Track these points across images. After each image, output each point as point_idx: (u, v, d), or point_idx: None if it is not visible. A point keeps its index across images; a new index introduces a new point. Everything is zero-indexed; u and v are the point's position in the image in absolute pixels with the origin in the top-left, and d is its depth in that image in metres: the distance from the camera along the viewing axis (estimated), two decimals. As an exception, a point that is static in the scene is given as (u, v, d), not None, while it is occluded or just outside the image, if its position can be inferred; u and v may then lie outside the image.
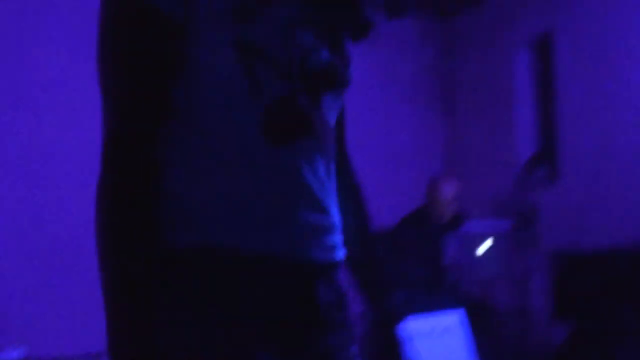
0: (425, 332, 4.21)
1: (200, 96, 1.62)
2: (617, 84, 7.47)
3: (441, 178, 6.25)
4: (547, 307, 5.82)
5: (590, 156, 7.75)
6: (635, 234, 6.39)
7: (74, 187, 6.78)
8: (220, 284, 1.60)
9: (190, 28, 1.57)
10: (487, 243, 5.31)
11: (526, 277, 5.81)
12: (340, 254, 1.81)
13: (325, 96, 1.76)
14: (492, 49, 9.35)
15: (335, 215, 1.79)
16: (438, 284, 4.61)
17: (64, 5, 7.47)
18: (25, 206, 7.09)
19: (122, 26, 1.57)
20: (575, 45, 8.02)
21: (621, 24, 7.39)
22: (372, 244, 2.05)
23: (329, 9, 1.81)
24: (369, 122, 9.18)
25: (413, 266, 4.53)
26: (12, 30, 7.30)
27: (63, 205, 7.09)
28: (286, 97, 1.65)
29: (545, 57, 8.79)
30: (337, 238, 1.79)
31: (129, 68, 1.58)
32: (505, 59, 9.09)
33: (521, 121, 8.92)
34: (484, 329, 5.80)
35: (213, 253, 1.59)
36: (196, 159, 1.63)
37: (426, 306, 4.37)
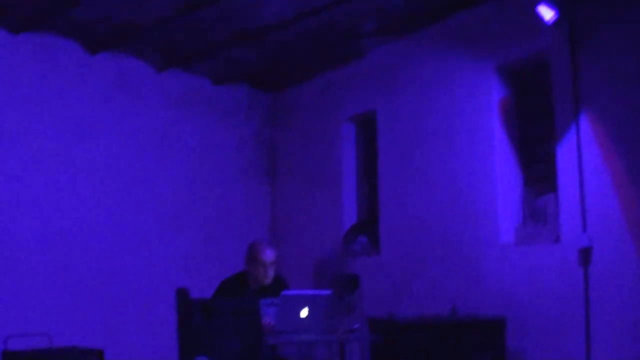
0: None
1: None
2: (430, 162, 7.76)
3: (261, 242, 6.25)
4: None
5: (407, 230, 7.97)
6: (449, 304, 6.58)
7: None
8: None
9: None
10: (307, 307, 5.31)
11: (345, 342, 5.85)
12: None
13: None
14: (318, 123, 9.52)
15: None
16: (253, 355, 4.56)
17: None
18: None
19: None
20: (394, 125, 8.30)
21: (437, 107, 7.71)
22: None
23: None
24: (194, 186, 9.17)
25: (229, 335, 4.47)
26: None
27: None
28: None
29: (369, 133, 9.02)
30: None
31: None
32: (331, 133, 9.28)
33: (345, 192, 9.08)
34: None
35: None
36: None
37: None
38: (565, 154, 6.40)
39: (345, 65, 9.07)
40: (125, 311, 8.32)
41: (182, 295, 4.34)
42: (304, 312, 5.37)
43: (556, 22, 6.31)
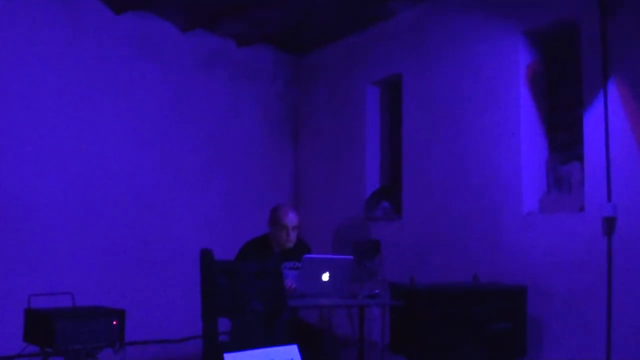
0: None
1: None
2: (454, 128, 7.70)
3: (285, 205, 6.23)
4: (384, 338, 5.89)
5: (430, 195, 7.95)
6: (470, 271, 6.57)
7: None
8: None
9: None
10: (328, 272, 5.30)
11: (365, 307, 5.85)
12: None
13: None
14: (343, 86, 9.48)
15: None
16: (275, 317, 4.56)
17: None
18: None
19: None
20: (419, 89, 8.24)
21: (464, 71, 7.63)
22: None
23: None
24: (216, 150, 9.17)
25: (252, 297, 4.47)
26: None
27: None
28: None
29: (394, 97, 8.97)
30: None
31: None
32: (356, 96, 9.23)
33: (369, 156, 9.05)
34: (322, 356, 5.80)
35: None
36: None
37: (261, 339, 4.34)
38: (592, 121, 6.33)
39: (372, 28, 9.01)
40: (148, 272, 8.37)
41: (206, 256, 4.33)
42: (326, 276, 5.37)
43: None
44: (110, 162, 8.20)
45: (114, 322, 5.68)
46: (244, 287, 4.41)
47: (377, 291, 5.60)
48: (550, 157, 7.03)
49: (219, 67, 9.40)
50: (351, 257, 5.68)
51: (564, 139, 7.00)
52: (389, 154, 9.12)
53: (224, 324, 4.44)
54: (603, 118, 6.22)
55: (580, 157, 6.59)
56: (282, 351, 4.35)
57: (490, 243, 7.15)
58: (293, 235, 6.03)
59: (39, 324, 5.54)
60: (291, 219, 6.02)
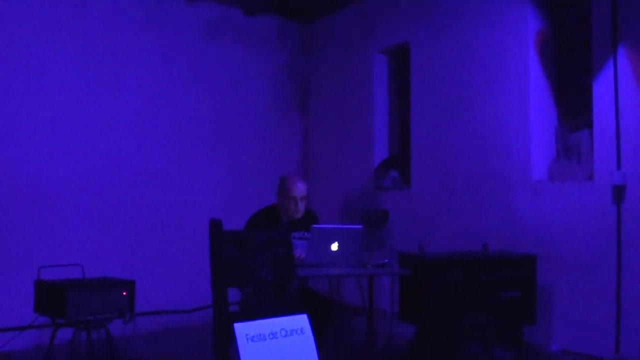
0: (269, 334, 4.18)
1: None
2: (463, 96, 7.66)
3: (293, 176, 6.22)
4: (393, 307, 5.90)
5: (438, 165, 7.93)
6: (479, 240, 6.56)
7: None
8: None
9: None
10: (337, 242, 5.30)
11: (374, 276, 5.86)
12: None
13: None
14: (350, 54, 9.44)
15: None
16: (285, 286, 4.57)
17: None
18: None
19: None
20: (427, 57, 8.19)
21: (473, 40, 7.58)
22: None
23: None
24: (227, 119, 9.16)
25: (261, 266, 4.47)
26: None
27: None
28: None
29: (402, 65, 8.93)
30: None
31: None
32: (364, 65, 9.19)
33: (377, 126, 9.03)
34: (331, 326, 5.82)
35: None
36: None
37: (271, 309, 4.35)
38: (601, 89, 6.29)
39: (379, -5, 8.97)
40: (157, 243, 8.39)
41: (215, 226, 4.33)
42: (335, 246, 5.37)
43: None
44: (119, 134, 8.19)
45: (124, 293, 5.71)
46: (253, 256, 4.42)
47: (386, 260, 5.60)
48: (559, 125, 7.01)
49: (225, 36, 9.35)
50: (360, 226, 5.68)
51: (573, 107, 6.97)
52: (397, 123, 9.09)
53: (233, 294, 4.46)
54: (613, 85, 6.19)
55: (589, 125, 6.56)
56: (292, 320, 4.37)
57: (500, 212, 7.15)
58: (302, 206, 6.03)
59: (50, 296, 5.57)
60: (300, 189, 6.01)
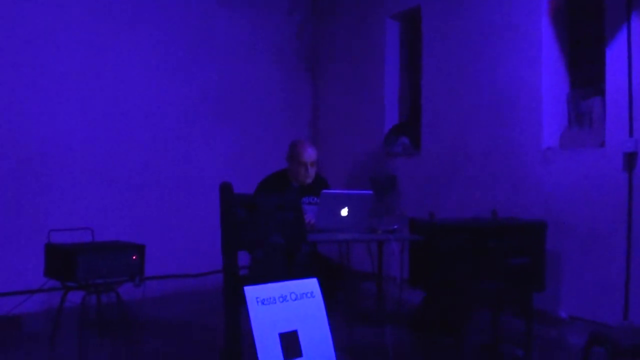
0: (279, 297, 4.19)
1: None
2: (475, 62, 7.62)
3: (303, 141, 6.22)
4: (403, 273, 5.91)
5: (449, 131, 7.91)
6: (489, 207, 6.55)
7: None
8: None
9: None
10: (347, 207, 5.30)
11: (384, 243, 5.87)
12: None
13: None
14: (361, 19, 9.39)
15: None
16: (295, 251, 4.57)
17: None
18: None
19: None
20: (439, 22, 8.14)
21: (485, 5, 7.53)
22: None
23: None
24: (236, 84, 9.14)
25: (271, 230, 4.48)
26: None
27: None
28: None
29: (413, 30, 8.88)
30: None
31: None
32: (374, 30, 9.14)
33: (388, 92, 8.99)
34: (340, 292, 5.84)
35: None
36: None
37: (281, 273, 4.36)
38: (614, 56, 6.24)
39: (389, -42, 8.91)
40: (167, 207, 8.41)
41: (225, 189, 4.33)
42: (344, 211, 5.37)
43: None
44: (130, 99, 8.18)
45: (134, 257, 5.73)
46: (263, 220, 4.42)
47: (395, 226, 5.60)
48: (571, 92, 6.97)
49: (235, 1, 9.29)
50: (370, 192, 5.68)
51: (585, 74, 6.92)
52: (408, 89, 9.06)
53: (243, 259, 4.47)
54: (626, 52, 6.14)
55: (601, 92, 6.53)
56: (302, 284, 4.38)
57: (510, 178, 7.13)
58: (312, 171, 6.04)
59: (60, 259, 5.60)
60: (310, 154, 6.01)
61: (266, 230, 4.40)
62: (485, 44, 7.49)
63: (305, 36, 10.04)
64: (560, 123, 6.96)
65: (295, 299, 4.29)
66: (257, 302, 4.11)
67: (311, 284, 4.43)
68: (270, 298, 4.16)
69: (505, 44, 7.25)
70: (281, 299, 4.21)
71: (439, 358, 5.77)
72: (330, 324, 4.44)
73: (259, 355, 3.98)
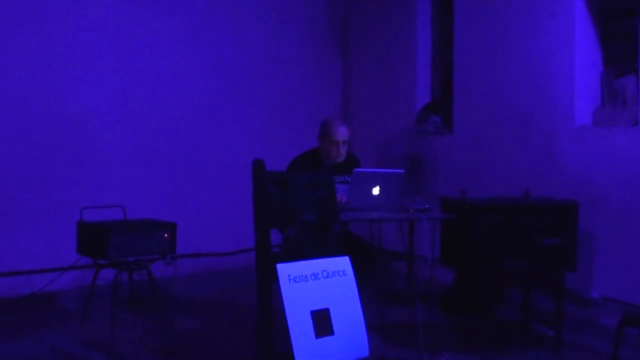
0: (311, 275, 4.20)
1: None
2: (507, 39, 7.56)
3: (335, 119, 6.20)
4: (434, 252, 5.89)
5: (481, 109, 7.86)
6: (521, 186, 6.51)
7: None
8: None
9: None
10: (379, 186, 5.30)
11: (415, 221, 5.86)
12: None
13: None
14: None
15: None
16: (327, 228, 4.57)
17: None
18: None
19: None
20: (473, 2, 8.05)
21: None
22: None
23: None
24: (264, 62, 9.12)
25: (304, 208, 4.48)
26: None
27: None
28: None
29: (445, 7, 8.82)
30: None
31: None
32: (406, 9, 9.08)
33: (420, 70, 8.95)
34: (371, 271, 5.83)
35: None
36: None
37: (313, 251, 4.37)
38: (649, 33, 6.18)
39: None
40: (198, 185, 8.42)
41: (258, 166, 4.33)
42: (376, 190, 5.36)
43: None
44: (160, 75, 8.18)
45: (166, 235, 5.75)
46: (296, 197, 4.43)
47: (427, 205, 5.58)
48: (604, 70, 6.90)
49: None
50: (402, 170, 5.66)
51: (619, 52, 6.85)
52: (440, 67, 9.01)
53: (275, 238, 4.48)
54: (661, 29, 6.08)
55: (635, 70, 6.46)
56: (334, 262, 4.39)
57: (542, 157, 7.08)
58: (343, 150, 6.02)
59: (92, 236, 5.63)
60: (342, 133, 5.99)
61: (298, 208, 4.41)
62: (517, 20, 7.41)
63: (336, 12, 9.98)
64: (593, 101, 6.90)
65: (327, 277, 4.30)
66: (289, 279, 4.12)
67: (343, 262, 4.44)
68: (302, 276, 4.18)
69: (538, 21, 7.18)
70: (313, 277, 4.23)
71: (470, 337, 5.76)
72: (361, 303, 4.44)
73: (291, 332, 4.00)
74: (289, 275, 4.12)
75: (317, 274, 4.25)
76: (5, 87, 7.10)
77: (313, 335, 4.09)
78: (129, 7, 7.93)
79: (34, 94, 7.27)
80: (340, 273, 4.38)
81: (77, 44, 7.54)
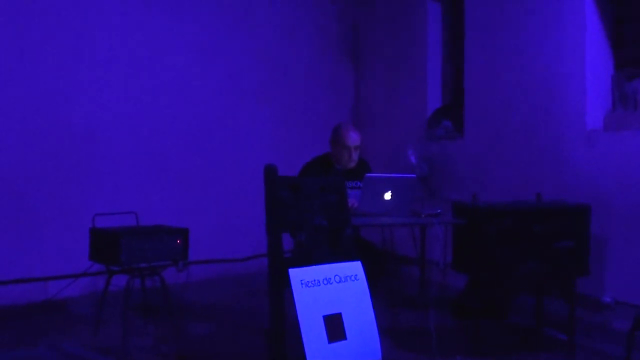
0: (323, 280, 4.21)
1: None
2: (518, 43, 7.55)
3: (346, 125, 6.21)
4: (446, 257, 5.90)
5: (492, 114, 7.86)
6: (532, 190, 6.51)
7: None
8: None
9: None
10: (390, 191, 5.30)
11: (427, 227, 5.86)
12: None
13: None
14: (404, 2, 9.33)
15: None
16: (339, 233, 4.58)
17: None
18: None
19: None
20: (481, 4, 8.06)
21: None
22: None
23: None
24: (276, 69, 9.14)
25: (316, 212, 4.49)
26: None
27: None
28: None
29: (455, 12, 8.82)
30: None
31: None
32: (416, 12, 9.09)
33: (430, 75, 8.95)
34: (383, 275, 5.84)
35: None
36: None
37: (325, 255, 4.37)
38: (661, 36, 6.17)
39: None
40: (210, 191, 8.45)
41: (270, 171, 4.34)
42: (388, 195, 5.36)
43: None
44: (173, 82, 8.22)
45: (178, 241, 5.75)
46: (308, 202, 4.43)
47: (439, 210, 5.58)
48: (615, 73, 6.88)
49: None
50: (413, 175, 5.67)
51: (630, 55, 6.84)
52: (450, 72, 9.01)
53: (287, 243, 4.48)
54: (672, 32, 6.06)
55: (647, 74, 6.45)
56: (346, 267, 4.39)
57: (554, 161, 7.07)
58: (355, 155, 6.03)
59: (105, 243, 5.64)
60: (353, 139, 6.00)
61: (310, 213, 4.41)
62: (528, 23, 7.41)
63: (347, 18, 10.00)
64: (604, 105, 6.88)
65: (340, 282, 4.30)
66: (302, 284, 4.13)
67: (355, 267, 4.44)
68: (314, 280, 4.18)
69: (548, 24, 7.17)
70: (325, 282, 4.23)
71: (482, 342, 5.75)
72: (373, 308, 4.44)
73: (304, 337, 4.00)
74: (301, 280, 4.13)
75: (330, 278, 4.26)
76: (20, 96, 7.15)
77: (326, 340, 4.09)
78: (142, 15, 7.98)
79: (48, 102, 7.32)
80: (353, 278, 4.39)
81: (90, 52, 7.59)
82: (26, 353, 5.63)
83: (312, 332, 4.05)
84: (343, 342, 4.19)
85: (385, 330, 4.81)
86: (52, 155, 7.32)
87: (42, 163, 7.27)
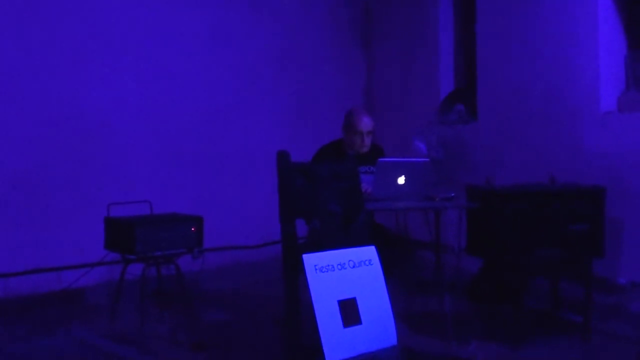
0: (337, 265, 4.21)
1: None
2: (530, 25, 7.52)
3: (359, 110, 6.20)
4: (460, 241, 5.88)
5: (505, 97, 7.83)
6: (547, 173, 6.48)
7: None
8: None
9: None
10: (404, 175, 5.29)
11: (441, 211, 5.85)
12: None
13: None
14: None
15: None
16: (352, 219, 4.58)
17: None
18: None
19: None
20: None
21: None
22: None
23: None
24: (287, 54, 9.12)
25: (329, 198, 4.48)
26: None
27: None
28: None
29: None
30: None
31: None
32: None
33: (443, 58, 8.92)
34: (398, 260, 5.83)
35: None
36: None
37: (339, 241, 4.37)
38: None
39: None
40: (224, 179, 8.46)
41: (282, 157, 4.34)
42: (401, 180, 5.35)
43: None
44: (184, 69, 8.22)
45: (193, 229, 5.77)
46: (321, 188, 4.43)
47: (452, 194, 5.57)
48: (629, 54, 6.84)
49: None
50: (427, 159, 5.65)
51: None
52: (463, 55, 8.97)
53: (301, 230, 4.48)
54: (686, 12, 6.02)
55: (661, 54, 6.41)
56: (360, 252, 4.39)
57: (567, 143, 7.04)
58: (368, 140, 6.02)
59: (119, 232, 5.66)
60: (366, 123, 6.00)
61: (323, 199, 4.41)
62: (540, 5, 7.37)
63: (358, 2, 9.97)
64: (618, 86, 6.84)
65: (354, 267, 4.30)
66: (316, 269, 4.13)
67: (369, 252, 4.44)
68: (328, 266, 4.19)
69: (561, 5, 7.13)
70: (339, 267, 4.23)
71: (498, 326, 5.75)
72: (388, 293, 4.44)
73: (319, 322, 4.00)
74: (315, 266, 4.13)
75: (344, 263, 4.26)
76: (34, 88, 7.18)
77: (341, 325, 4.10)
78: (154, 2, 7.96)
79: (62, 92, 7.34)
80: (367, 262, 4.38)
81: (103, 41, 7.60)
82: (43, 342, 5.66)
83: (327, 316, 4.06)
84: (358, 326, 4.19)
85: (401, 314, 4.80)
86: (66, 146, 7.34)
87: (56, 153, 7.29)
